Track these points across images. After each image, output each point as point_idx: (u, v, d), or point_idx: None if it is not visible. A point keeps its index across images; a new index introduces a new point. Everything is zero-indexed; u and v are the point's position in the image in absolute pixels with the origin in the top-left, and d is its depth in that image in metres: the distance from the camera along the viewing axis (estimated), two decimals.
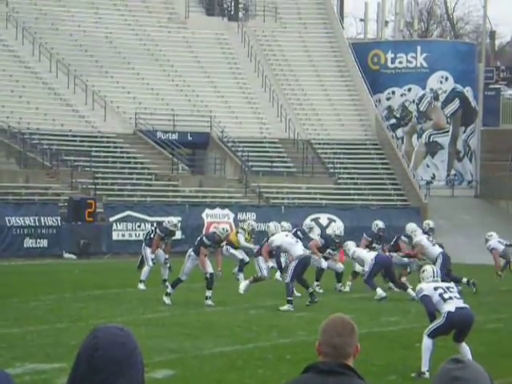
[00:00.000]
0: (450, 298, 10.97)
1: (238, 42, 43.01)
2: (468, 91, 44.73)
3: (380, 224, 21.31)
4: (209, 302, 17.02)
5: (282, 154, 38.48)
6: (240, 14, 46.57)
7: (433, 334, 10.89)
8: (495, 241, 22.15)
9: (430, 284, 11.20)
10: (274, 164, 37.30)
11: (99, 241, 30.30)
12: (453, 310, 10.82)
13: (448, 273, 19.20)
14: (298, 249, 17.20)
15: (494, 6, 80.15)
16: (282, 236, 17.74)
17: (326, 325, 3.45)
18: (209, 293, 17.08)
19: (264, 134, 39.22)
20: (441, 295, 10.99)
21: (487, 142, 44.11)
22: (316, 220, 33.19)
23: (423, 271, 11.61)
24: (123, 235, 30.65)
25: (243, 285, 18.84)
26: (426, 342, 10.86)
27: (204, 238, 17.69)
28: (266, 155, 37.93)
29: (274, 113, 40.02)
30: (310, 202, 35.23)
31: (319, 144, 39.44)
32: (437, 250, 19.85)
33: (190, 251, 17.63)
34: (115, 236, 30.55)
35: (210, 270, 17.19)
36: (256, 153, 37.77)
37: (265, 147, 38.59)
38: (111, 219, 30.65)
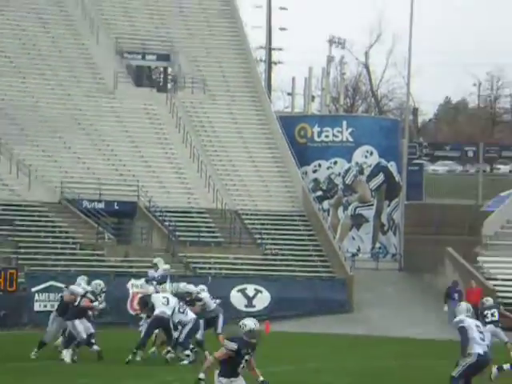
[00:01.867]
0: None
1: (167, 112, 43.15)
2: (392, 166, 45.57)
3: None
4: None
5: (210, 224, 38.37)
6: (169, 86, 46.81)
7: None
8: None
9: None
10: (202, 234, 37.14)
11: (20, 311, 29.54)
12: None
13: None
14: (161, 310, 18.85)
15: (417, 84, 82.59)
16: (159, 298, 19.52)
17: None
18: None
19: (192, 204, 39.12)
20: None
21: (411, 216, 44.77)
22: (243, 291, 33.04)
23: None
24: (45, 306, 29.95)
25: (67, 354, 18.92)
26: None
27: None
28: (194, 225, 37.76)
29: (201, 183, 40.02)
30: (237, 272, 35.06)
31: (247, 215, 39.48)
32: None
33: None
34: (37, 307, 29.85)
35: None
36: (183, 222, 37.58)
37: (192, 217, 38.45)
38: (33, 289, 29.97)
